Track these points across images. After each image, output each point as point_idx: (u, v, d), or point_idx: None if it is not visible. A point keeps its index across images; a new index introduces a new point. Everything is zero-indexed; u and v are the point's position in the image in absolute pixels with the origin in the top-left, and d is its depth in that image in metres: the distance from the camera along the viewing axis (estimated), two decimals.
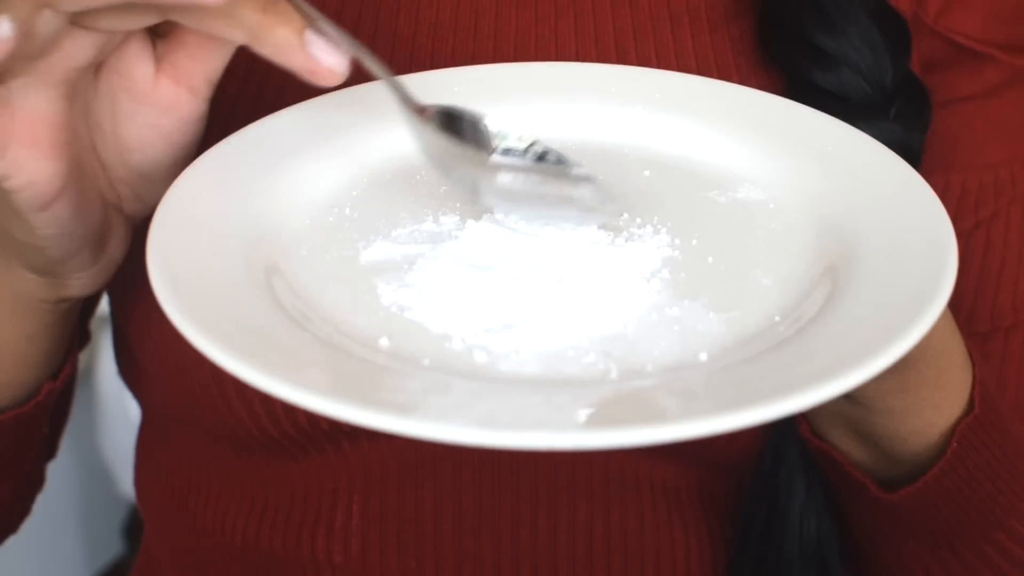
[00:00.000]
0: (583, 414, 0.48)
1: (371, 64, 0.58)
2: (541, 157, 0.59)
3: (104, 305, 0.82)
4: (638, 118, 0.66)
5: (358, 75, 0.58)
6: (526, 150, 0.59)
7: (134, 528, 1.70)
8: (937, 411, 0.65)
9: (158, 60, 0.59)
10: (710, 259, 0.57)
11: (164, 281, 0.52)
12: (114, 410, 1.63)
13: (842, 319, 0.52)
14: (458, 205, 0.61)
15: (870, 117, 0.70)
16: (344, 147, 0.64)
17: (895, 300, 0.52)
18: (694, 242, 0.58)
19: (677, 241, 0.58)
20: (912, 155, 0.71)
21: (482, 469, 0.71)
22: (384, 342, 0.52)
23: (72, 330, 0.72)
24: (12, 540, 0.85)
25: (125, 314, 0.75)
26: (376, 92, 0.61)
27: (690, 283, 0.56)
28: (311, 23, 0.55)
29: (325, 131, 0.64)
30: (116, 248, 0.64)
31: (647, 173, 0.64)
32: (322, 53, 0.55)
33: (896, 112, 0.71)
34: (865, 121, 0.70)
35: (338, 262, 0.57)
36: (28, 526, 0.86)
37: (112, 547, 1.76)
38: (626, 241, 0.58)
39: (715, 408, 0.46)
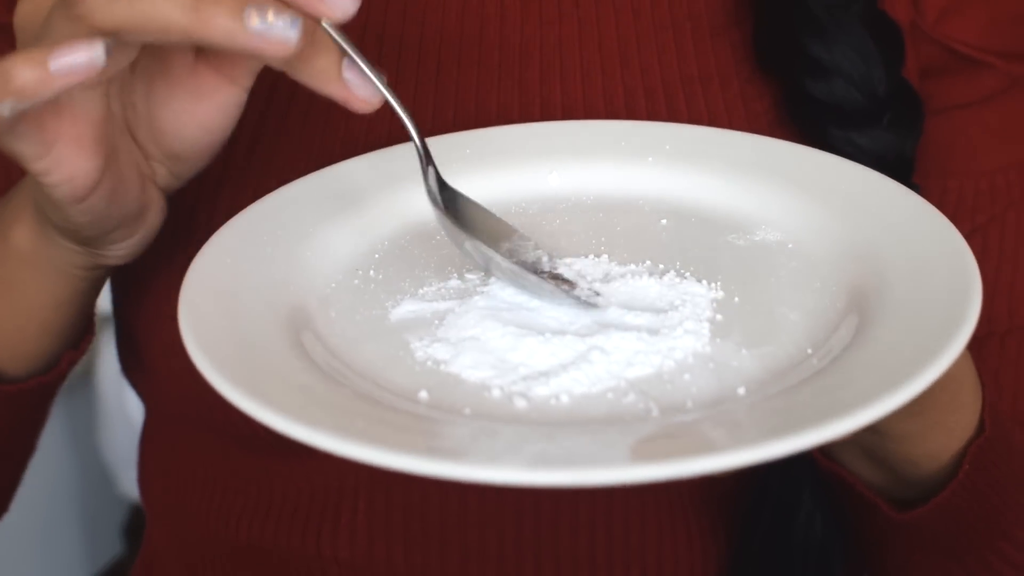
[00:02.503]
0: (633, 449, 0.48)
1: (397, 106, 0.58)
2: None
3: (103, 304, 0.82)
4: (651, 170, 0.67)
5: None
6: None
7: (134, 528, 1.70)
8: (949, 434, 0.66)
9: (198, 48, 0.58)
10: (736, 299, 0.58)
11: (200, 347, 0.52)
12: (114, 410, 1.63)
13: (875, 346, 0.52)
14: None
15: (863, 125, 0.71)
16: (364, 212, 0.65)
17: (925, 324, 0.52)
18: (719, 283, 0.59)
19: (703, 284, 0.59)
20: (905, 162, 0.72)
21: None
22: (423, 395, 0.53)
23: (95, 301, 0.72)
24: (12, 540, 0.86)
25: (131, 314, 0.75)
26: (393, 157, 0.62)
27: (720, 322, 0.57)
28: (346, 54, 0.56)
29: (344, 197, 0.65)
30: (154, 218, 0.64)
31: (664, 222, 0.65)
32: (358, 84, 0.56)
33: (889, 120, 0.72)
34: (858, 129, 0.71)
35: (368, 322, 0.58)
36: (28, 526, 0.86)
37: (112, 547, 1.76)
38: (655, 285, 0.59)
39: (762, 436, 0.47)
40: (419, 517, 0.72)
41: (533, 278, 0.58)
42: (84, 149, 0.57)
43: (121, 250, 0.65)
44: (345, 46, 0.56)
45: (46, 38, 0.54)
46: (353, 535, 0.73)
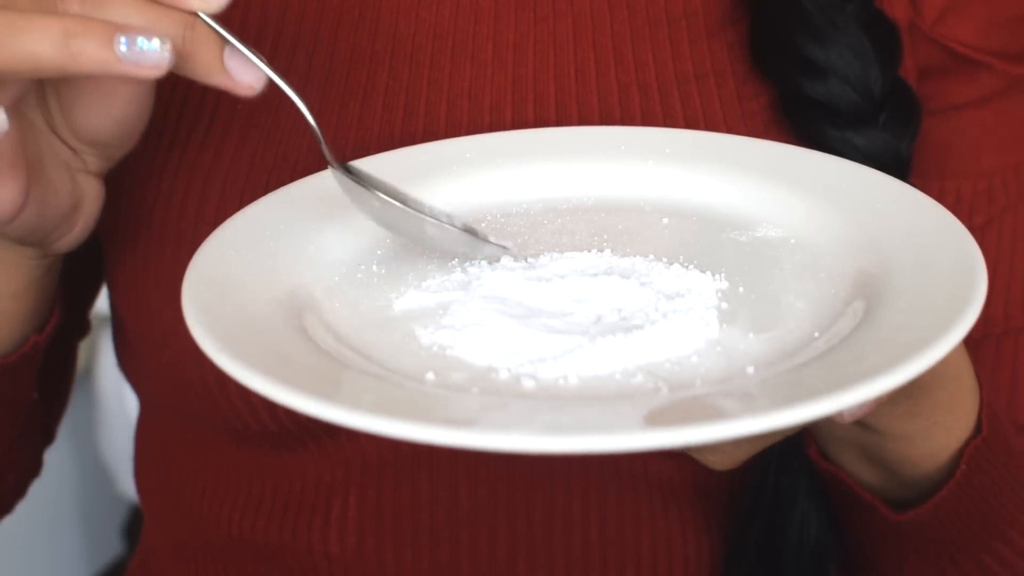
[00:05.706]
0: (645, 418, 0.49)
1: (284, 85, 0.59)
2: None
3: (103, 303, 0.82)
4: (652, 173, 0.68)
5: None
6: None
7: (134, 528, 1.70)
8: (948, 434, 0.66)
9: None
10: (741, 288, 0.59)
11: (205, 329, 0.53)
12: (114, 410, 1.63)
13: (883, 326, 0.53)
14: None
15: (859, 125, 0.71)
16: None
17: (933, 305, 0.53)
18: (723, 275, 0.60)
19: (707, 274, 0.60)
20: (901, 162, 0.72)
21: (477, 460, 0.71)
22: (431, 376, 0.53)
23: (56, 283, 0.71)
24: (13, 540, 0.86)
25: (126, 307, 0.75)
26: (394, 159, 0.63)
27: (726, 310, 0.57)
28: (226, 43, 0.56)
29: (344, 197, 0.65)
30: (92, 206, 0.65)
31: (666, 221, 0.66)
32: (240, 72, 0.56)
33: (885, 120, 0.72)
34: (853, 129, 0.71)
35: (373, 312, 0.59)
36: (28, 526, 0.86)
37: (112, 547, 1.76)
38: (659, 275, 0.60)
39: (774, 405, 0.47)
40: (410, 513, 0.72)
41: (410, 209, 0.60)
42: (3, 179, 0.57)
43: (66, 241, 0.65)
44: (224, 34, 0.56)
45: None
46: (343, 530, 0.73)
